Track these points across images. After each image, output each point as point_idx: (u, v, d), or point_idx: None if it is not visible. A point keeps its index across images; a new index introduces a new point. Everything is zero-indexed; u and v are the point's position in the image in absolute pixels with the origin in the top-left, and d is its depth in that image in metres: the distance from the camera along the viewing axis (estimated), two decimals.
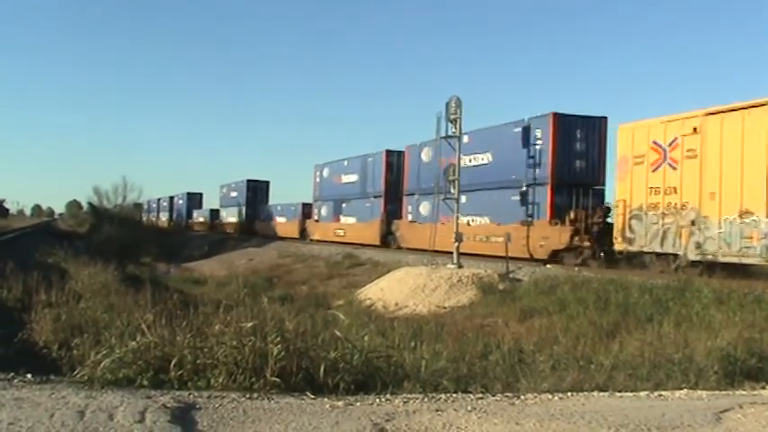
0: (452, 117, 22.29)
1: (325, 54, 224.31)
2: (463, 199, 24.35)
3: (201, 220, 72.17)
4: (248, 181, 58.91)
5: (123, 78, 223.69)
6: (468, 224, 24.97)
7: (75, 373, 5.53)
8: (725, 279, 14.46)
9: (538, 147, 22.66)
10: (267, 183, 60.49)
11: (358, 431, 4.25)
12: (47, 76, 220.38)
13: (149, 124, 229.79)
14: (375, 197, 34.59)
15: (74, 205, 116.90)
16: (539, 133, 22.61)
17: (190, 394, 4.98)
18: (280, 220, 50.97)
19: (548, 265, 20.54)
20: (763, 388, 7.35)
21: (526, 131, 23.18)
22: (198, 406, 4.65)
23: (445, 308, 17.50)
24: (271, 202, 57.65)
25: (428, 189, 27.65)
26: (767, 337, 9.44)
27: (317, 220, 42.59)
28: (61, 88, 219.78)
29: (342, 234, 37.41)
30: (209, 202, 74.46)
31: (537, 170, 22.64)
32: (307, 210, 45.85)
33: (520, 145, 23.30)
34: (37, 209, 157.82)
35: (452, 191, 23.13)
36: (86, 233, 52.10)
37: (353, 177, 37.31)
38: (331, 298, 20.94)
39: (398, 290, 19.45)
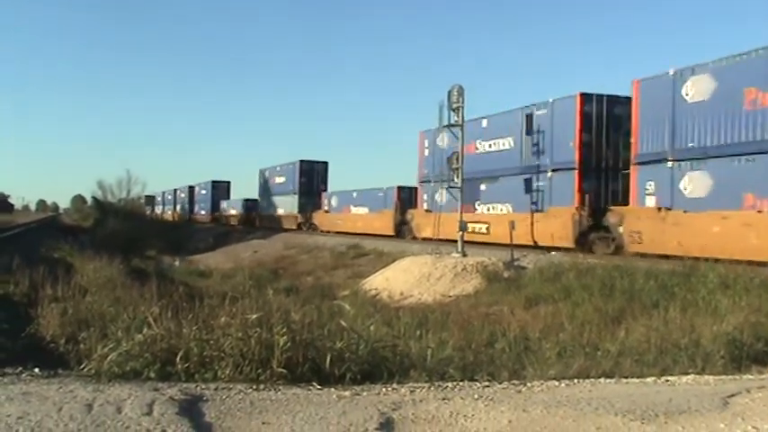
0: (455, 106, 22.15)
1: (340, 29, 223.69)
2: None
3: (233, 212, 61.29)
4: (301, 162, 46.43)
5: (125, 71, 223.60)
6: None
7: (83, 366, 5.55)
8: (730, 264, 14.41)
9: None
10: (325, 164, 47.74)
11: (365, 420, 4.26)
12: (49, 72, 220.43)
13: (153, 116, 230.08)
14: (557, 170, 21.65)
15: (78, 200, 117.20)
16: None
17: (197, 386, 5.00)
18: (357, 210, 38.18)
19: (552, 252, 20.50)
20: None
21: None
22: (205, 398, 4.66)
23: (450, 296, 17.50)
24: (330, 188, 45.87)
25: (706, 150, 16.62)
26: None
27: (428, 210, 29.13)
28: (65, 82, 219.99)
29: (484, 231, 24.81)
30: (241, 191, 70.03)
31: None
32: (404, 195, 33.24)
33: None
34: (42, 204, 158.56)
35: (456, 180, 23.06)
36: (91, 227, 52.23)
37: (505, 142, 24.42)
38: (336, 288, 20.96)
39: (403, 279, 19.46)
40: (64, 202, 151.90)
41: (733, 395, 5.29)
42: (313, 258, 29.87)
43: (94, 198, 70.37)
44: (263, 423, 4.16)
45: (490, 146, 25.59)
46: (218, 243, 43.97)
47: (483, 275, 18.31)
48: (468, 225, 23.92)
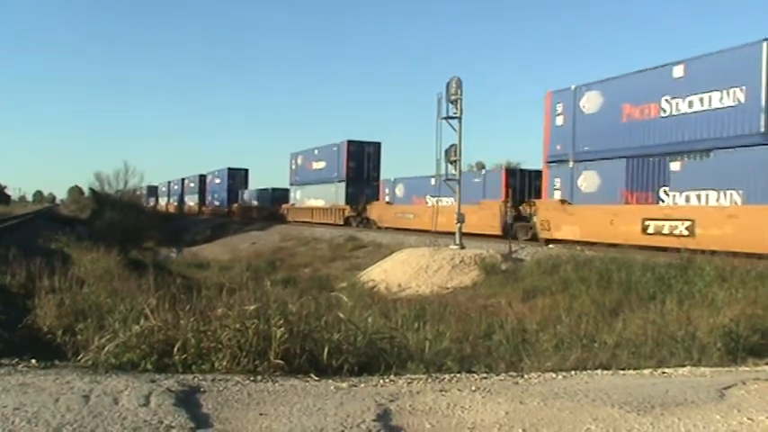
0: (453, 98, 22.16)
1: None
2: None
3: (256, 203, 55.01)
4: (349, 143, 38.39)
5: (127, 60, 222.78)
6: None
7: (80, 357, 5.55)
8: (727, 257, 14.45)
9: None
10: (377, 145, 39.36)
11: (362, 412, 4.26)
12: (49, 65, 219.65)
13: (150, 108, 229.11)
14: None
15: (75, 191, 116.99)
16: None
17: (194, 377, 5.00)
18: (439, 202, 28.53)
19: (550, 245, 20.53)
20: (767, 364, 7.38)
21: None
22: (202, 389, 4.67)
23: (448, 288, 17.54)
24: (383, 175, 38.17)
25: None
26: None
27: (564, 201, 21.12)
28: (63, 72, 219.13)
29: (682, 232, 16.96)
30: (262, 180, 63.65)
31: None
32: (514, 182, 25.36)
33: None
34: (39, 195, 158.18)
35: (454, 172, 23.07)
36: (88, 218, 52.14)
37: (724, 97, 16.66)
38: (334, 280, 21.00)
39: (401, 271, 19.50)
40: (61, 194, 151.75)
41: (729, 387, 5.31)
42: (311, 250, 29.90)
43: (91, 189, 70.04)
44: (261, 414, 4.17)
45: (691, 104, 17.46)
46: (216, 235, 43.98)
47: (481, 267, 18.36)
48: (650, 223, 17.68)
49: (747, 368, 6.97)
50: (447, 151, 23.21)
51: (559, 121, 21.84)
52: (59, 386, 4.55)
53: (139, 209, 58.01)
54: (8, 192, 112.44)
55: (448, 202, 27.52)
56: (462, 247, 20.89)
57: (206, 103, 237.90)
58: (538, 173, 24.67)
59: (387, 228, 32.64)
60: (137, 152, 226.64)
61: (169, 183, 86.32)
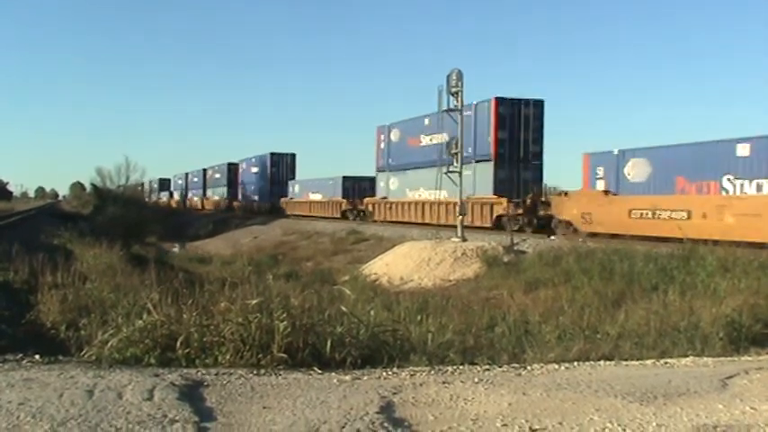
0: (453, 90, 22.06)
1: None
2: None
3: (318, 197, 40.69)
4: (498, 101, 24.54)
5: (127, 54, 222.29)
6: None
7: (83, 352, 5.58)
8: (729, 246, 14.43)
9: None
10: (540, 104, 24.95)
11: (366, 404, 4.27)
12: (51, 62, 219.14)
13: (152, 104, 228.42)
14: None
15: (77, 187, 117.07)
16: None
17: (197, 372, 5.01)
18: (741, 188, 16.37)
19: (552, 237, 20.52)
20: None
21: None
22: (206, 383, 4.68)
23: (450, 281, 17.55)
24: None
25: None
26: None
27: None
28: (66, 71, 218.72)
29: None
30: (313, 169, 50.44)
31: None
32: None
33: None
34: (40, 191, 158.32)
35: (456, 164, 23.01)
36: (90, 214, 52.17)
37: None
38: (336, 274, 20.99)
39: (403, 264, 19.50)
40: (63, 189, 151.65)
41: (731, 377, 5.31)
42: (313, 244, 29.88)
43: (93, 185, 70.01)
44: (264, 407, 4.18)
45: None
46: (218, 229, 43.98)
47: (483, 260, 18.35)
48: None
49: (750, 358, 6.98)
50: (448, 144, 23.15)
51: None
52: (63, 381, 4.56)
53: (141, 204, 57.94)
54: (10, 188, 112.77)
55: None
56: (464, 240, 20.89)
57: (217, 98, 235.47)
58: None
59: (613, 235, 18.65)
60: (143, 147, 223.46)
61: (187, 174, 75.11)
